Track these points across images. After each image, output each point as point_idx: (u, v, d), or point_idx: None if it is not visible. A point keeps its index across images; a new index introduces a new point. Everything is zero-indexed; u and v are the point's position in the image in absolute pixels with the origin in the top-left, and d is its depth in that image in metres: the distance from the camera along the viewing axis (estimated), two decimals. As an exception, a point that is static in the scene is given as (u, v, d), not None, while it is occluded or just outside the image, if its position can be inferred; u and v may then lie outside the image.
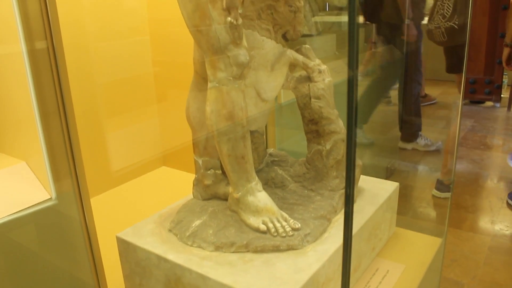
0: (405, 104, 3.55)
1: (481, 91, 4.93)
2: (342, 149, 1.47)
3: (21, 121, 1.52)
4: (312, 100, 1.42)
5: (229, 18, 1.13)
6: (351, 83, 1.12)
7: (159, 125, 2.06)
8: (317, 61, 1.45)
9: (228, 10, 1.13)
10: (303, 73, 1.46)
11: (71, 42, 1.48)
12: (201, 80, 1.36)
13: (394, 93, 3.69)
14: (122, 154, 1.98)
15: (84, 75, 1.71)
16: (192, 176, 1.53)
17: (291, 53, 1.41)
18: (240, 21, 1.16)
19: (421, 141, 3.65)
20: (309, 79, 1.43)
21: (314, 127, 1.46)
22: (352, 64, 1.11)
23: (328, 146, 1.46)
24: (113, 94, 1.87)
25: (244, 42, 1.19)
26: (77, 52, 1.64)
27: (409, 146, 3.67)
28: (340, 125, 1.47)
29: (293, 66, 1.44)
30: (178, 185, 2.05)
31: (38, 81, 1.44)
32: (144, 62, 1.96)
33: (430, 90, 4.95)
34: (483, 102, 4.99)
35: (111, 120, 1.86)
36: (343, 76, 2.53)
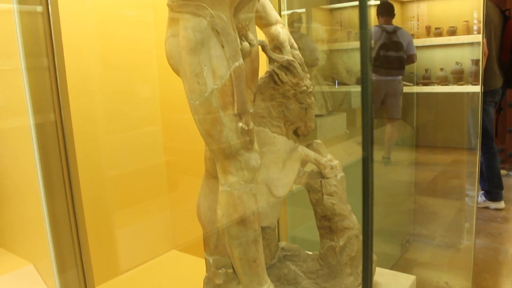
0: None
1: (493, 160, 4.89)
2: (356, 246, 1.43)
3: (29, 218, 1.51)
4: (325, 197, 1.40)
5: (240, 124, 1.14)
6: (366, 166, 1.11)
7: (170, 213, 2.04)
8: (329, 156, 1.44)
9: (240, 115, 1.14)
10: (315, 168, 1.46)
11: (81, 134, 1.50)
12: (212, 179, 1.36)
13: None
14: (131, 246, 1.95)
15: (93, 167, 1.72)
16: (203, 262, 1.49)
17: (302, 150, 1.41)
18: (251, 126, 1.17)
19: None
20: (321, 175, 1.42)
21: (327, 223, 1.43)
22: (367, 146, 1.10)
23: (341, 243, 1.42)
24: (123, 185, 1.87)
25: (256, 146, 1.19)
26: (87, 144, 1.66)
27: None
28: (353, 221, 1.44)
29: (304, 161, 1.44)
30: (189, 272, 2.00)
31: (48, 179, 1.45)
32: (155, 152, 1.98)
33: (441, 158, 4.91)
34: (496, 171, 4.93)
35: (121, 212, 1.85)
36: (355, 157, 2.50)
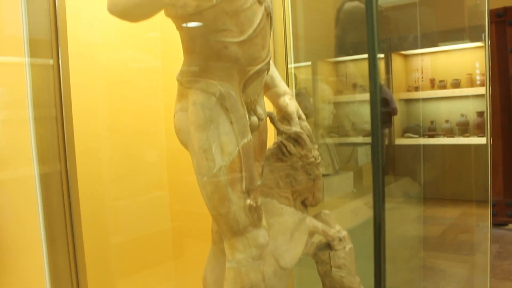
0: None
1: (502, 214, 4.83)
2: (366, 320, 1.39)
3: (29, 281, 1.49)
4: (333, 269, 1.38)
5: (248, 201, 1.13)
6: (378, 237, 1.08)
7: (175, 279, 2.01)
8: (337, 227, 1.43)
9: (248, 192, 1.14)
10: (323, 238, 1.44)
11: (86, 198, 1.49)
12: (218, 251, 1.34)
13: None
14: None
15: (98, 233, 1.70)
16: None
17: (310, 221, 1.40)
18: (259, 202, 1.16)
19: None
20: (329, 246, 1.40)
21: (336, 297, 1.40)
22: (379, 217, 1.07)
23: (351, 317, 1.39)
24: (128, 251, 1.85)
25: (264, 222, 1.18)
26: (92, 208, 1.65)
27: None
28: (362, 294, 1.40)
29: (312, 233, 1.42)
30: None
31: (52, 240, 1.44)
32: (161, 218, 1.96)
33: (449, 211, 4.85)
34: (505, 225, 4.86)
35: (125, 279, 1.82)
36: (362, 218, 2.45)
